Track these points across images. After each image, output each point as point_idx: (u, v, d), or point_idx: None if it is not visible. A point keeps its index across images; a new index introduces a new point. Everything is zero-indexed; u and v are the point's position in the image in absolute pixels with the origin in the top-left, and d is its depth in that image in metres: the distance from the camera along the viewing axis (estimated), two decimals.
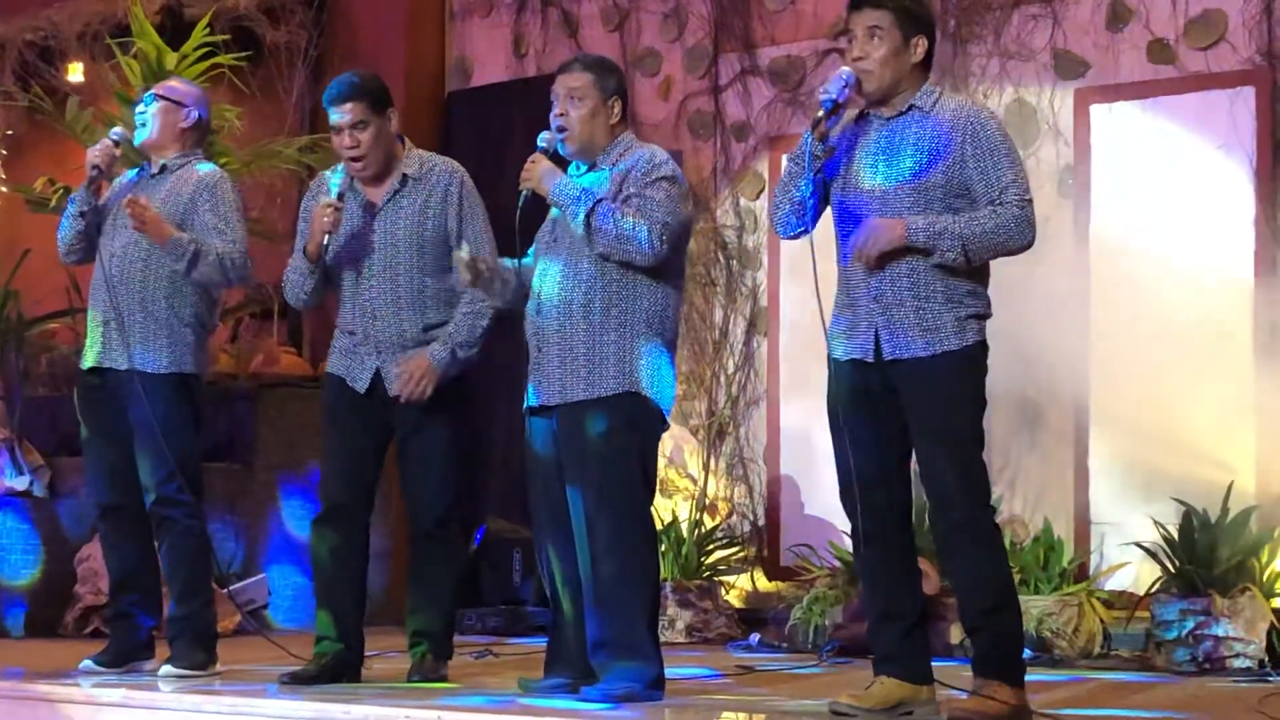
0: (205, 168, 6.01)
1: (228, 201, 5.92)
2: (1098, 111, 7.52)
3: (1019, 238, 4.77)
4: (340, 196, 5.63)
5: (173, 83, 6.22)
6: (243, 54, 8.57)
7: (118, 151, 5.95)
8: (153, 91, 6.05)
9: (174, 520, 5.88)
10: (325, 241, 5.60)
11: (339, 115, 5.63)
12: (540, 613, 7.67)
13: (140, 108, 6.04)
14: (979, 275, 4.87)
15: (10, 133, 10.15)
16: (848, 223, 4.88)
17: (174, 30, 8.75)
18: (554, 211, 5.28)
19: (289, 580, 8.49)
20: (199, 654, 5.90)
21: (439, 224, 5.66)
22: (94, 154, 5.89)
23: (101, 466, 5.99)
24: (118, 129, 6.06)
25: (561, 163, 5.27)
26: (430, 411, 5.62)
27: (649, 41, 8.80)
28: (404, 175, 5.69)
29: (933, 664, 4.92)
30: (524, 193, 5.20)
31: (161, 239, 5.76)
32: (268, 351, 9.19)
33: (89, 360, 5.96)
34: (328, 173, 5.76)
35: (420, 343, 5.63)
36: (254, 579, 8.28)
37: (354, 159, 5.64)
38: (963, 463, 4.76)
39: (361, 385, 5.66)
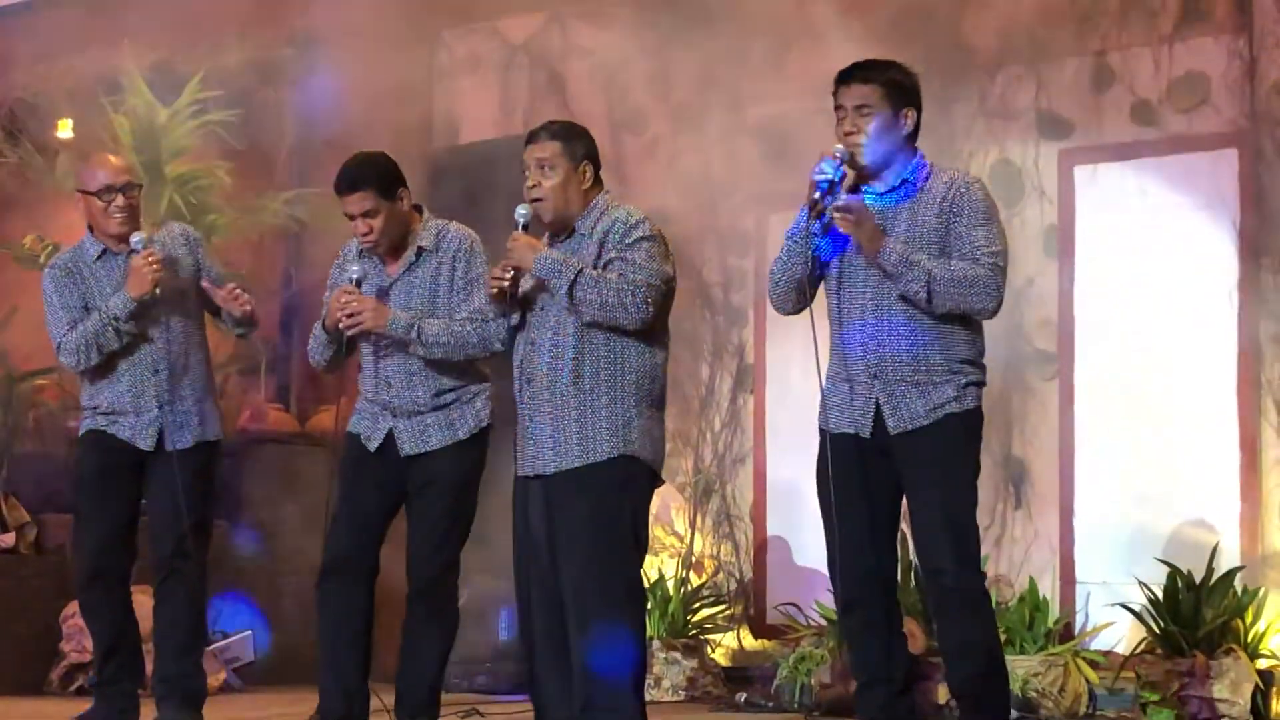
0: (178, 226, 6.25)
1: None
2: (1081, 172, 7.54)
3: (983, 298, 4.80)
4: (359, 283, 5.69)
5: (117, 165, 6.12)
6: (233, 111, 8.59)
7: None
8: (132, 182, 6.03)
9: (185, 574, 5.91)
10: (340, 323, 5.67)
11: (350, 204, 5.70)
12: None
13: (125, 201, 5.97)
14: (975, 345, 4.91)
15: None
16: (844, 298, 4.91)
17: (165, 87, 8.76)
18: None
19: (272, 637, 8.45)
20: (187, 713, 5.90)
21: (449, 292, 5.72)
22: (156, 277, 5.84)
23: (103, 528, 5.96)
24: (138, 236, 5.93)
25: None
26: (441, 473, 5.70)
27: (636, 99, 8.81)
28: (419, 248, 5.77)
29: None
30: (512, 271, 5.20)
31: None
32: (255, 407, 9.18)
33: (141, 442, 5.95)
34: (354, 243, 5.82)
35: (434, 408, 5.71)
36: (238, 636, 8.24)
37: (368, 243, 5.73)
38: (958, 526, 4.78)
39: (374, 444, 5.74)
